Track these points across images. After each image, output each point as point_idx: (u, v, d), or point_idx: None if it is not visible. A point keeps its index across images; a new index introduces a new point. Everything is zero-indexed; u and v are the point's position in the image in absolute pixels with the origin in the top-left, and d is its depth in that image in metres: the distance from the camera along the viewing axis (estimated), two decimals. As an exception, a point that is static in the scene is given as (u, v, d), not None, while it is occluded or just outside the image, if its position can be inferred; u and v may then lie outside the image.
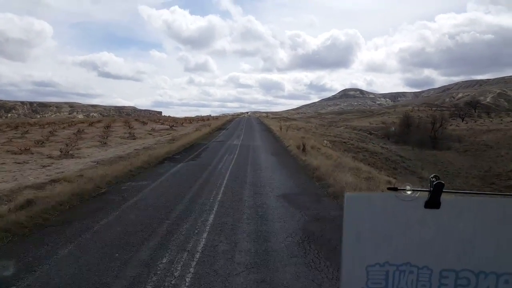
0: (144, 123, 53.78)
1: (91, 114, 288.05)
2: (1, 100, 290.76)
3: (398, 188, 1.37)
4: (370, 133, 73.88)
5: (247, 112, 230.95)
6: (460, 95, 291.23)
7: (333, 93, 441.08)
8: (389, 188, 1.39)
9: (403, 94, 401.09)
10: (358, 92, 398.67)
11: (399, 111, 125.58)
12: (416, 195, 1.34)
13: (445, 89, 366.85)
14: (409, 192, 1.35)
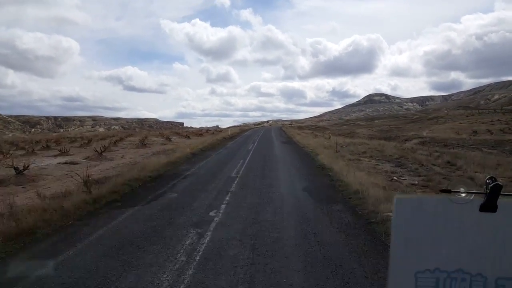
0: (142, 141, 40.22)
1: (112, 127, 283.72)
2: (26, 115, 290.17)
3: (452, 190, 1.28)
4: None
5: (268, 121, 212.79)
6: (496, 96, 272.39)
7: (357, 99, 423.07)
8: (441, 191, 1.29)
9: (431, 98, 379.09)
10: (383, 97, 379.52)
11: (456, 115, 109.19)
12: (471, 198, 1.26)
13: (476, 91, 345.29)
14: (463, 195, 1.27)
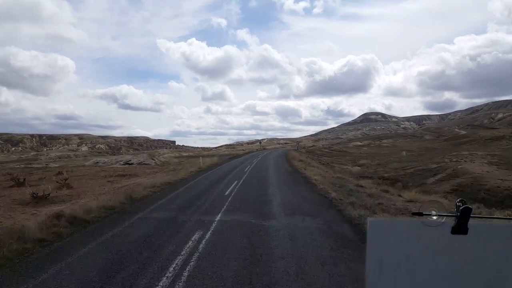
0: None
1: (97, 146, 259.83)
2: (9, 133, 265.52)
3: (423, 213, 1.29)
4: None
5: (259, 141, 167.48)
6: (500, 115, 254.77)
7: (351, 118, 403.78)
8: (413, 213, 1.31)
9: (428, 117, 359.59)
10: (379, 116, 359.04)
11: (479, 135, 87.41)
12: (442, 220, 1.27)
13: (474, 110, 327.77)
14: (435, 217, 1.28)
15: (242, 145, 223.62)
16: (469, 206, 1.19)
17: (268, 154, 43.27)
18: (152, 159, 34.05)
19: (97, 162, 37.57)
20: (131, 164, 32.97)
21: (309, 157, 42.50)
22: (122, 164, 33.13)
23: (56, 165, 39.94)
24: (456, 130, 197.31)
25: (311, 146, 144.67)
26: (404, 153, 56.00)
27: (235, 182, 15.56)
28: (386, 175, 29.11)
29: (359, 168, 36.92)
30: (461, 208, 1.19)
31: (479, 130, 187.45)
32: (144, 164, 32.32)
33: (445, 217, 1.23)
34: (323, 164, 36.20)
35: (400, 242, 1.24)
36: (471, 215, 1.18)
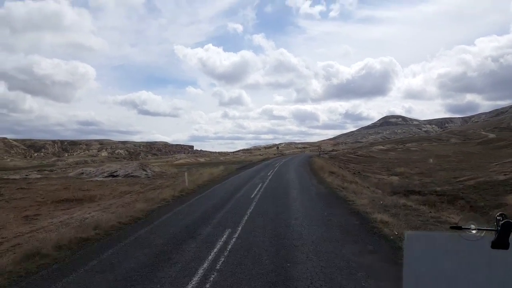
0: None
1: (116, 151, 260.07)
2: (32, 139, 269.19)
3: (462, 227, 1.26)
4: None
5: (277, 146, 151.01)
6: None
7: (370, 122, 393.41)
8: (452, 227, 1.28)
9: (450, 120, 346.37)
10: (400, 119, 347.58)
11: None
12: (482, 235, 1.22)
13: (498, 113, 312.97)
14: (474, 232, 1.24)
15: (259, 149, 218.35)
16: (510, 220, 1.14)
17: (287, 161, 35.51)
18: (144, 169, 28.57)
19: (82, 173, 32.52)
20: (116, 176, 27.54)
21: (335, 164, 36.61)
22: (105, 176, 27.74)
23: (39, 176, 35.15)
24: (483, 133, 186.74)
25: (331, 151, 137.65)
26: (431, 160, 49.17)
27: (227, 232, 8.04)
28: (438, 188, 22.90)
29: (397, 178, 30.72)
30: (501, 222, 1.13)
31: (507, 132, 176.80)
32: (131, 176, 26.78)
33: (484, 231, 1.17)
34: (354, 173, 30.30)
35: (438, 256, 1.20)
36: None
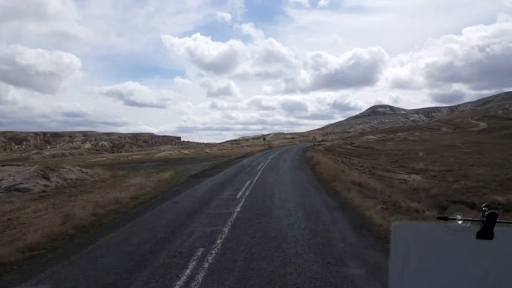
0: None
1: (100, 143, 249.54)
2: (13, 131, 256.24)
3: (448, 217, 1.26)
4: None
5: (264, 137, 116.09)
6: None
7: (358, 111, 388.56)
8: (438, 217, 1.27)
9: (437, 109, 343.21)
10: (387, 109, 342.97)
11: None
12: (467, 225, 1.23)
13: (484, 101, 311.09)
14: (460, 222, 1.24)
15: (247, 140, 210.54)
16: (495, 211, 1.15)
17: (276, 158, 26.87)
18: (46, 177, 17.95)
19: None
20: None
21: (337, 159, 28.92)
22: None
23: None
24: (473, 121, 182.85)
25: (321, 141, 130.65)
26: (421, 153, 41.96)
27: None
28: (498, 198, 15.19)
29: (420, 177, 23.03)
30: (486, 213, 1.15)
31: (496, 121, 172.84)
32: (16, 190, 16.92)
33: (470, 222, 1.19)
34: (364, 172, 22.62)
35: (424, 246, 1.21)
36: (497, 220, 1.14)
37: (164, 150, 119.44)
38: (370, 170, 23.80)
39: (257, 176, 16.02)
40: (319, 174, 16.32)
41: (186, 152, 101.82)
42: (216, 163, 22.75)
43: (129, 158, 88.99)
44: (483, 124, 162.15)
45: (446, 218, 1.22)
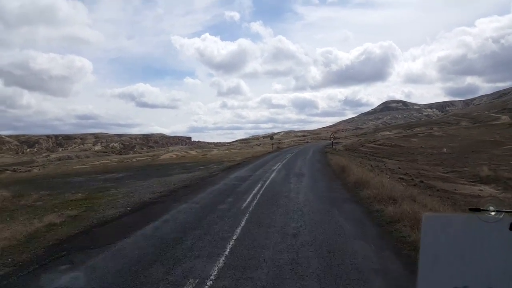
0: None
1: (110, 145, 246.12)
2: (26, 135, 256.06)
3: (481, 208, 1.22)
4: None
5: (271, 137, 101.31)
6: None
7: (370, 108, 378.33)
8: (471, 209, 1.24)
9: (451, 103, 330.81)
10: (400, 104, 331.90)
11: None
12: (501, 216, 1.19)
13: (500, 94, 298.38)
14: (493, 213, 1.20)
15: (258, 139, 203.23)
16: None
17: (288, 163, 19.98)
18: None
19: None
20: None
21: (367, 162, 21.64)
22: None
23: None
24: (493, 115, 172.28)
25: (335, 138, 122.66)
26: (445, 149, 34.19)
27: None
28: None
29: (495, 190, 15.50)
30: None
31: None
32: None
33: (503, 213, 1.14)
34: (415, 184, 15.34)
35: (456, 237, 1.17)
36: None
37: (172, 151, 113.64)
38: (422, 181, 16.42)
39: (237, 232, 6.58)
40: (369, 203, 8.71)
41: (193, 153, 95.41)
42: (192, 178, 15.20)
43: (133, 160, 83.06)
44: (504, 117, 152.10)
45: (478, 210, 1.16)
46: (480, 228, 1.15)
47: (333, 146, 36.91)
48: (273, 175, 12.94)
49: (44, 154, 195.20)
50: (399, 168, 21.03)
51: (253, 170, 15.21)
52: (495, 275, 1.15)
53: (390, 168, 20.17)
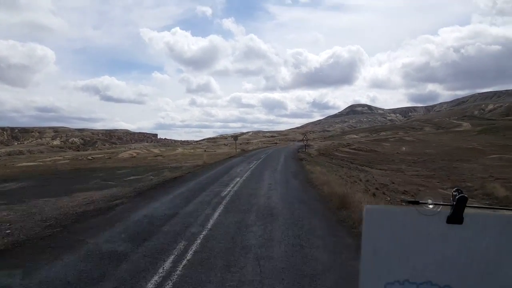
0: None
1: (70, 140, 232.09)
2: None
3: (420, 201, 1.19)
4: None
5: (234, 137, 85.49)
6: (490, 106, 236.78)
7: (337, 111, 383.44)
8: (409, 202, 1.20)
9: (413, 109, 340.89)
10: (366, 108, 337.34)
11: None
12: (438, 210, 1.16)
13: (459, 102, 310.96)
14: (430, 206, 1.17)
15: (226, 138, 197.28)
16: (465, 195, 1.10)
17: (253, 175, 14.41)
18: None
19: None
20: None
21: (347, 172, 17.07)
22: None
23: None
24: (454, 121, 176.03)
25: (301, 140, 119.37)
26: (403, 148, 31.04)
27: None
28: None
29: None
30: (457, 197, 1.09)
31: (477, 121, 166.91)
32: None
33: (441, 206, 1.13)
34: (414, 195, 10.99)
35: (396, 229, 1.17)
36: (467, 205, 1.11)
37: (133, 149, 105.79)
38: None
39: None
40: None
41: (156, 151, 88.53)
42: (71, 214, 9.46)
43: (88, 158, 75.15)
44: (466, 124, 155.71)
45: (417, 202, 1.14)
46: (419, 220, 1.13)
47: (306, 150, 32.14)
48: (214, 217, 6.65)
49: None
50: (393, 183, 16.62)
51: (187, 199, 8.69)
52: (434, 268, 1.16)
53: (383, 183, 15.70)
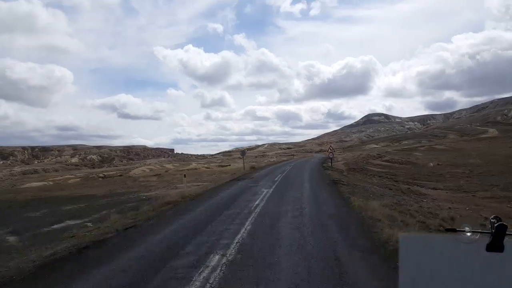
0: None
1: (88, 157, 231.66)
2: (1, 146, 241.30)
3: (457, 229, 1.20)
4: None
5: (242, 152, 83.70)
6: None
7: (353, 121, 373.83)
8: (447, 229, 1.21)
9: (432, 116, 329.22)
10: (382, 117, 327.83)
11: None
12: (477, 237, 1.16)
13: (479, 108, 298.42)
14: (469, 234, 1.17)
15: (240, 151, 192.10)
16: (505, 223, 1.07)
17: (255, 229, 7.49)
18: None
19: None
20: None
21: (409, 212, 11.71)
22: None
23: None
24: (479, 128, 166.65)
25: (320, 151, 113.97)
26: (434, 162, 24.84)
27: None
28: None
29: None
30: (495, 225, 1.07)
31: (503, 126, 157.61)
32: None
33: (479, 234, 1.11)
34: None
35: (433, 258, 1.13)
36: (507, 232, 1.06)
37: (148, 165, 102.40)
38: None
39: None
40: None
41: (170, 166, 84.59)
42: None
43: (100, 175, 71.48)
44: (492, 130, 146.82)
45: (454, 230, 1.13)
46: (457, 249, 1.10)
47: (332, 164, 26.20)
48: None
49: (17, 167, 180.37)
50: (485, 218, 11.18)
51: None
52: None
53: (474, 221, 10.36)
